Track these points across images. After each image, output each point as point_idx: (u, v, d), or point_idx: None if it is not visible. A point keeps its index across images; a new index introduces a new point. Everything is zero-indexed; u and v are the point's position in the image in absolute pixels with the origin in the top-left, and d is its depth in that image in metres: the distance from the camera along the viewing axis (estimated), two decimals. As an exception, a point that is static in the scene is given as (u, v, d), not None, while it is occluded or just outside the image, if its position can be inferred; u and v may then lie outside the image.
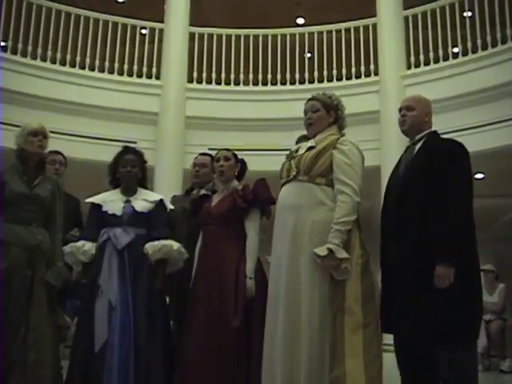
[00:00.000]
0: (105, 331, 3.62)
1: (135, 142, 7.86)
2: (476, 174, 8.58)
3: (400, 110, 3.47)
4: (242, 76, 9.53)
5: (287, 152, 3.50)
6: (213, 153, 4.24)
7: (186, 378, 3.57)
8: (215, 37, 9.70)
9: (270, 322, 3.26)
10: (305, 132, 3.57)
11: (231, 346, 3.50)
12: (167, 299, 4.07)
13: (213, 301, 3.64)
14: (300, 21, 11.91)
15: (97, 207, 3.98)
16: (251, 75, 9.55)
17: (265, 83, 9.53)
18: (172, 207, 4.12)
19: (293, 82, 9.47)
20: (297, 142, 3.63)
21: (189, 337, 3.65)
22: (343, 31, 9.49)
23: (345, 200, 3.18)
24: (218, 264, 3.70)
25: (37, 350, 3.45)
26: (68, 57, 9.02)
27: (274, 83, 9.52)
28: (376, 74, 9.17)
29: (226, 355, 3.50)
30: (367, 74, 9.26)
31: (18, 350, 3.41)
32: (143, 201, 3.99)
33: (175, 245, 3.86)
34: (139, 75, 9.41)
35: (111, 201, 3.98)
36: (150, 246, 3.83)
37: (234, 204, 3.79)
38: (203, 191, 4.31)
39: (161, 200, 4.05)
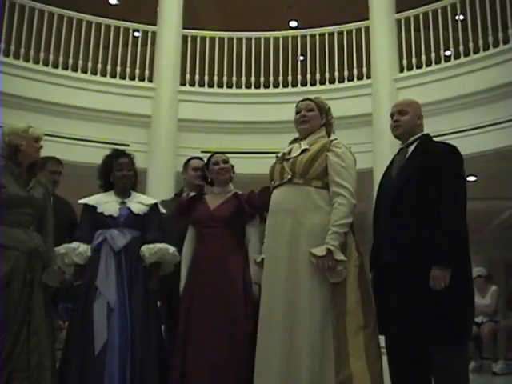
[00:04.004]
0: (104, 333, 3.65)
1: (128, 145, 7.86)
2: (468, 176, 8.61)
3: (392, 114, 3.48)
4: (234, 79, 9.53)
5: (278, 154, 3.51)
6: (205, 155, 4.24)
7: (195, 378, 3.55)
8: (208, 39, 9.69)
9: (264, 325, 3.24)
10: (294, 137, 3.58)
11: (243, 349, 3.47)
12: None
13: (218, 303, 3.62)
14: (293, 24, 11.93)
15: (91, 208, 3.99)
16: (244, 78, 9.55)
17: (257, 86, 9.53)
18: (164, 211, 4.15)
19: (285, 85, 9.47)
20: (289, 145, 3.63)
21: (192, 338, 3.62)
22: (336, 34, 9.49)
23: (342, 202, 3.19)
24: (223, 265, 3.70)
25: (39, 353, 3.45)
26: (60, 59, 8.98)
27: (266, 86, 9.52)
28: (368, 76, 9.18)
29: (237, 358, 3.49)
30: (360, 77, 9.28)
31: (20, 354, 3.40)
32: (139, 203, 4.03)
33: (170, 248, 3.92)
34: (132, 78, 9.39)
35: (106, 202, 4.00)
36: (146, 249, 3.89)
37: (239, 208, 3.80)
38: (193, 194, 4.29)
39: (155, 204, 4.10)
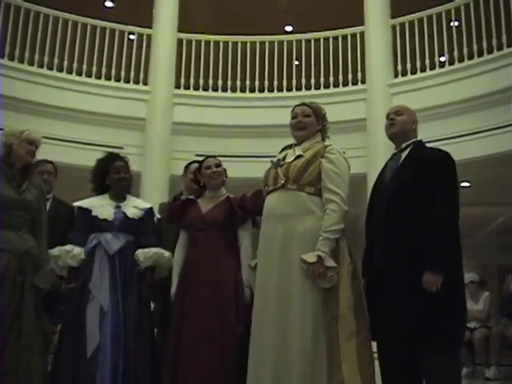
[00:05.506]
0: (96, 336, 3.65)
1: (122, 148, 7.85)
2: (462, 182, 8.63)
3: (388, 115, 3.49)
4: (229, 82, 9.54)
5: (272, 159, 3.51)
6: (200, 159, 4.23)
7: (187, 380, 3.54)
8: (203, 43, 9.71)
9: (256, 330, 3.24)
10: (290, 141, 3.57)
11: (235, 352, 3.46)
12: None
13: (210, 306, 3.61)
14: (288, 28, 11.95)
15: (85, 212, 3.99)
16: (239, 82, 9.56)
17: (252, 90, 9.54)
18: (159, 216, 4.16)
19: (280, 89, 9.49)
20: (281, 152, 3.62)
21: (184, 341, 3.62)
22: (331, 39, 9.52)
23: (334, 208, 3.19)
24: (215, 268, 3.69)
25: (28, 356, 3.44)
26: (55, 61, 8.98)
27: (261, 90, 9.53)
28: (363, 82, 9.20)
29: (229, 360, 3.48)
30: (354, 82, 9.30)
31: (9, 356, 3.38)
32: (134, 208, 4.03)
33: (165, 252, 3.95)
34: (127, 80, 9.39)
35: (101, 206, 4.00)
36: (141, 253, 3.90)
37: (231, 212, 3.80)
38: (192, 198, 4.29)
39: (150, 208, 4.12)
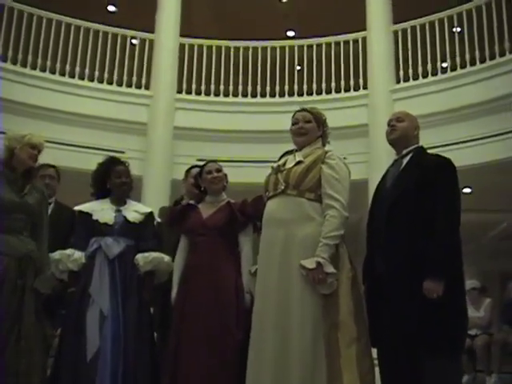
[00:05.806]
0: (96, 340, 3.66)
1: (123, 152, 7.86)
2: (464, 188, 8.62)
3: (389, 121, 3.50)
4: (231, 87, 9.54)
5: (273, 164, 3.50)
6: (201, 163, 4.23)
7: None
8: (205, 48, 9.72)
9: (256, 334, 3.24)
10: (290, 147, 3.57)
11: (235, 357, 3.46)
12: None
13: (210, 311, 3.61)
14: (290, 33, 11.96)
15: (86, 216, 4.00)
16: (240, 87, 9.56)
17: (254, 95, 9.54)
18: (159, 220, 4.16)
19: (282, 95, 9.49)
20: (281, 157, 3.63)
21: (185, 346, 3.61)
22: (333, 44, 9.53)
23: (334, 214, 3.19)
24: (216, 273, 3.70)
25: (28, 359, 3.45)
26: (58, 65, 8.99)
27: (263, 95, 9.54)
28: (365, 87, 9.20)
29: (229, 365, 3.48)
30: (356, 88, 9.30)
31: (10, 359, 3.38)
32: (134, 212, 4.04)
33: (165, 257, 3.96)
34: (129, 85, 9.39)
35: (101, 210, 4.01)
36: (141, 257, 3.91)
37: (232, 217, 3.80)
38: (192, 202, 4.30)
39: (151, 212, 4.12)
